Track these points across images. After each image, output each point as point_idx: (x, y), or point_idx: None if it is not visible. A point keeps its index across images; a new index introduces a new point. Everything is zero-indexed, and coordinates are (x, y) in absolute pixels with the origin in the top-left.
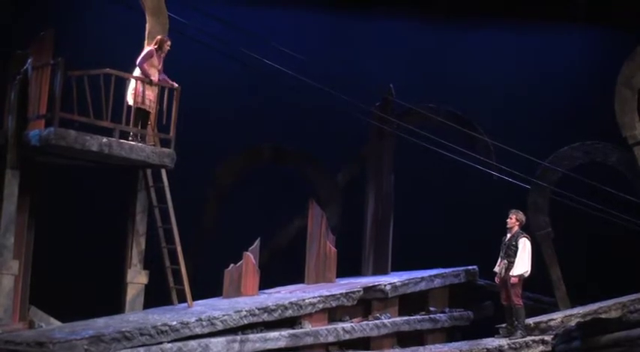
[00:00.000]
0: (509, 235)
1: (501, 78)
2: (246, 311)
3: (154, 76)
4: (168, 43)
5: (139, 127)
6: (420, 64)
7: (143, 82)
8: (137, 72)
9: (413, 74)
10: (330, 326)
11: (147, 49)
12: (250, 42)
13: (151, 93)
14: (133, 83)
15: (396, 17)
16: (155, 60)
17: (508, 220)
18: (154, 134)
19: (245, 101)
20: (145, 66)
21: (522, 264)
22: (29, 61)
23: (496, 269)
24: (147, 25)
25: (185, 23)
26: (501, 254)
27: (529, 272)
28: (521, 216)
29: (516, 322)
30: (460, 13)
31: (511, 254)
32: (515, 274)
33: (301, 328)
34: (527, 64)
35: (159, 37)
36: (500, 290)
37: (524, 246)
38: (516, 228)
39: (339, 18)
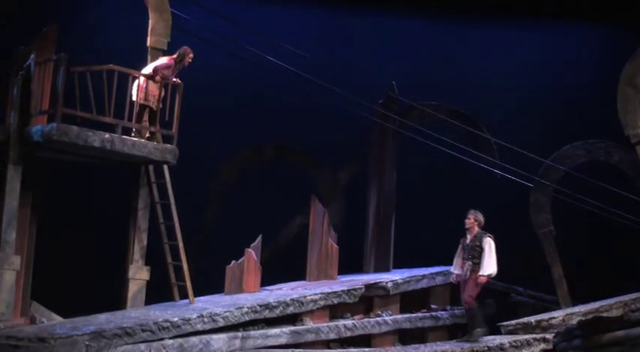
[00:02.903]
0: (469, 236)
1: (504, 76)
2: (247, 307)
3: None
4: (191, 55)
5: (143, 123)
6: (423, 61)
7: (146, 78)
8: (145, 69)
9: (416, 72)
10: (331, 323)
11: (166, 60)
12: (253, 39)
13: (154, 90)
14: (138, 79)
15: (399, 15)
16: (170, 71)
17: (466, 221)
18: (156, 130)
19: (248, 98)
20: (161, 73)
21: (490, 265)
22: (32, 56)
23: (456, 270)
24: (150, 22)
25: (188, 19)
26: (464, 255)
27: (495, 272)
28: (480, 216)
29: (472, 322)
30: (463, 10)
31: (476, 255)
32: (484, 274)
33: (302, 325)
34: (531, 62)
35: (183, 48)
36: (461, 292)
37: (490, 246)
38: (476, 229)
39: (341, 15)
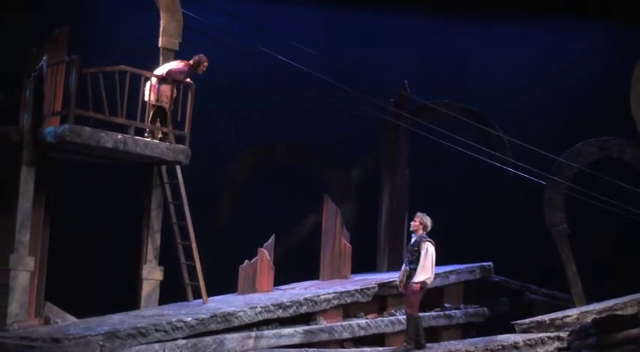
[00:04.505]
0: (413, 240)
1: (516, 74)
2: (260, 307)
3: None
4: (205, 64)
5: (156, 124)
6: (435, 60)
7: (158, 78)
8: (158, 70)
9: (427, 71)
10: (344, 323)
11: (181, 65)
12: (265, 39)
13: (167, 91)
14: (150, 80)
15: (410, 14)
16: (183, 76)
17: (412, 223)
18: (169, 131)
19: (260, 98)
20: (172, 76)
21: (424, 271)
22: (44, 58)
23: (399, 276)
24: (161, 22)
25: (199, 20)
26: (405, 259)
27: (432, 279)
28: (427, 219)
29: (406, 332)
30: (475, 9)
31: (413, 260)
32: (416, 281)
33: (316, 324)
34: (542, 59)
35: (199, 56)
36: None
37: (427, 252)
38: (420, 232)
39: (353, 15)
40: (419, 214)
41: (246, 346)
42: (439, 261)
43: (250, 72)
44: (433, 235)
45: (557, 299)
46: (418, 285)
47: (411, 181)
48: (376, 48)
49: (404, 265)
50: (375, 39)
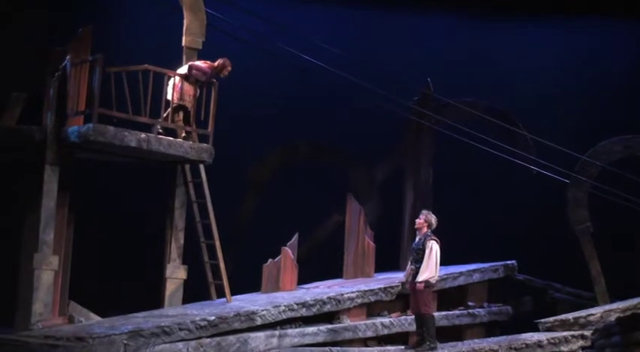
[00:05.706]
0: (417, 238)
1: (539, 72)
2: (284, 306)
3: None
4: (229, 68)
5: (177, 122)
6: (459, 59)
7: (181, 77)
8: (182, 70)
9: (451, 69)
10: (368, 321)
11: (205, 66)
12: (287, 37)
13: (190, 90)
14: (173, 79)
15: (434, 12)
16: (205, 77)
17: (417, 221)
18: (192, 130)
19: (282, 96)
20: (193, 73)
21: (428, 269)
22: (68, 57)
23: (405, 275)
24: (184, 21)
25: (222, 19)
26: (411, 258)
27: (436, 277)
28: (432, 217)
29: (425, 333)
30: (498, 8)
31: (419, 259)
32: (420, 280)
33: (340, 323)
34: (566, 58)
35: (223, 60)
36: (410, 299)
37: (431, 250)
38: (425, 230)
39: (376, 13)
40: (424, 212)
41: (270, 345)
42: (460, 259)
43: (272, 70)
44: (458, 233)
45: (582, 297)
46: (422, 284)
47: (434, 180)
48: (400, 46)
49: (409, 264)
50: (398, 37)
